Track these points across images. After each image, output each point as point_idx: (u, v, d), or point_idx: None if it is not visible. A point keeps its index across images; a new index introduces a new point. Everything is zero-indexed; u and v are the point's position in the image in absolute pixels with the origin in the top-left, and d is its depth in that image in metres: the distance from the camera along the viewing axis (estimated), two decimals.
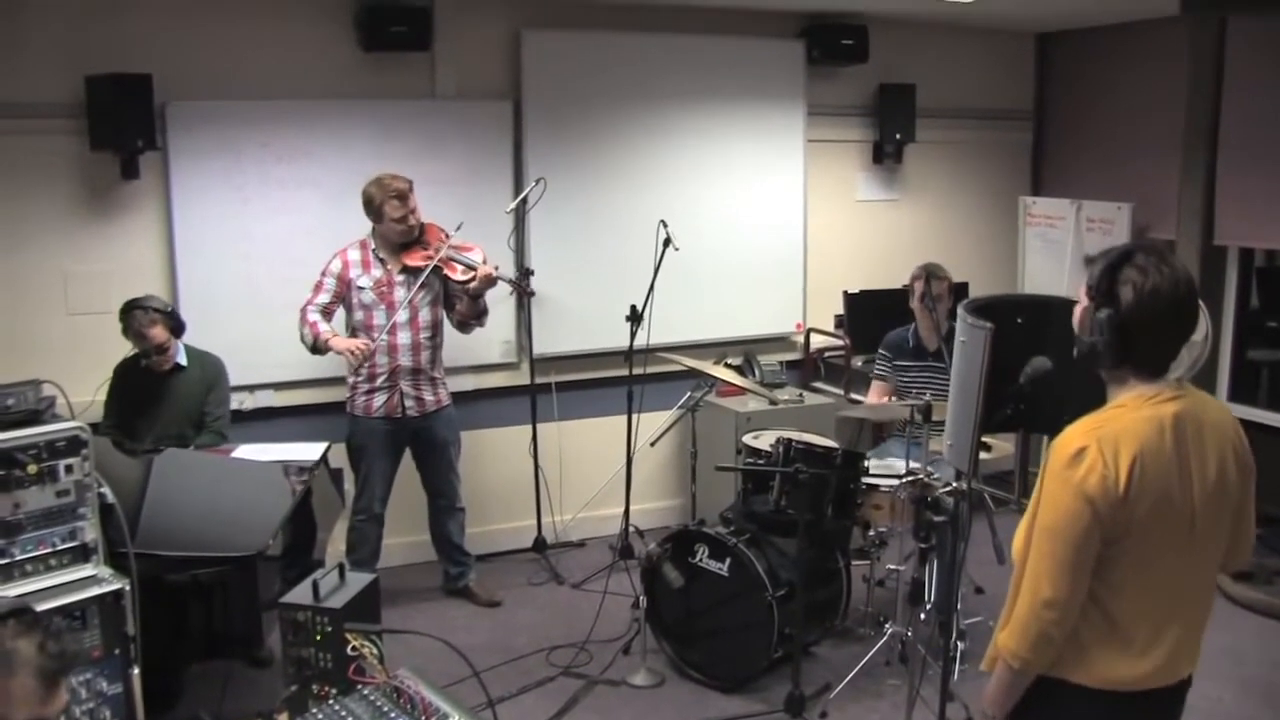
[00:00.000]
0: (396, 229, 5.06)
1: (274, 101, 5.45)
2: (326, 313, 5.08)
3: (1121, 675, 2.31)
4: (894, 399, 5.37)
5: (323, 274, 5.09)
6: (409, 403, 5.19)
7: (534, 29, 5.94)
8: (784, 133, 6.58)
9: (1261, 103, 5.93)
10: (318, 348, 5.04)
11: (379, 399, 5.14)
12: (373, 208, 5.05)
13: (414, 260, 5.13)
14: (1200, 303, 2.33)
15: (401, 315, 5.09)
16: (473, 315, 5.33)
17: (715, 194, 6.44)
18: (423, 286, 5.10)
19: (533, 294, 5.71)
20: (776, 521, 4.65)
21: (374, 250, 5.12)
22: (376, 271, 5.11)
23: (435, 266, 5.09)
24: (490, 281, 5.25)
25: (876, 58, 6.64)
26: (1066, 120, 7.36)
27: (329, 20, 5.55)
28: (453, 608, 5.52)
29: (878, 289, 6.68)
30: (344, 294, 5.10)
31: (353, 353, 4.97)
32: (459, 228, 5.20)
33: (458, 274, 5.18)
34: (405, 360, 5.14)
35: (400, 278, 5.12)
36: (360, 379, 5.14)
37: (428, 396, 5.25)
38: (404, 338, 5.11)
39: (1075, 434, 2.26)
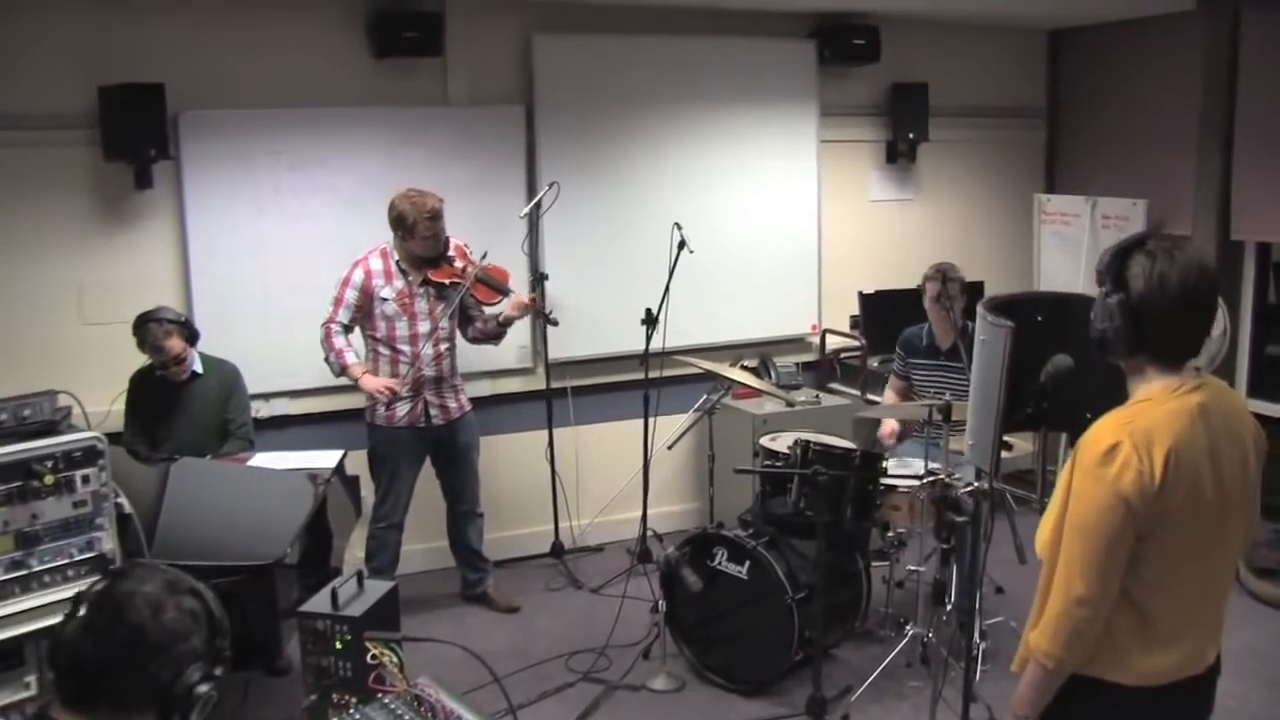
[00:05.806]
0: (425, 245, 5.05)
1: (286, 109, 5.45)
2: (349, 329, 5.08)
3: (1154, 668, 2.29)
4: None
5: (344, 285, 5.05)
6: (434, 411, 5.18)
7: (545, 33, 5.93)
8: (797, 133, 6.56)
9: (1277, 96, 5.89)
10: (343, 375, 5.08)
11: (402, 409, 5.12)
12: (405, 224, 4.99)
13: (437, 274, 5.13)
14: (1219, 298, 2.30)
15: (423, 327, 5.08)
16: (495, 336, 5.36)
17: (729, 196, 6.42)
18: (448, 303, 5.11)
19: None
20: (795, 523, 4.63)
21: (396, 261, 5.10)
22: (399, 282, 5.08)
23: (465, 286, 5.13)
24: (528, 310, 5.29)
25: (888, 57, 6.62)
26: (1080, 117, 7.32)
27: (340, 27, 5.55)
28: (471, 614, 5.51)
29: (893, 289, 6.64)
30: (366, 305, 5.07)
31: (381, 392, 5.01)
32: (484, 257, 5.22)
33: (485, 297, 5.22)
34: (429, 370, 5.13)
35: (420, 289, 5.11)
36: None
37: (451, 404, 5.25)
38: (426, 349, 5.10)
39: (1106, 430, 2.22)
